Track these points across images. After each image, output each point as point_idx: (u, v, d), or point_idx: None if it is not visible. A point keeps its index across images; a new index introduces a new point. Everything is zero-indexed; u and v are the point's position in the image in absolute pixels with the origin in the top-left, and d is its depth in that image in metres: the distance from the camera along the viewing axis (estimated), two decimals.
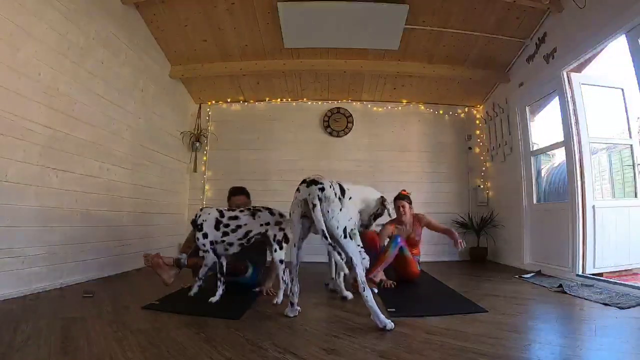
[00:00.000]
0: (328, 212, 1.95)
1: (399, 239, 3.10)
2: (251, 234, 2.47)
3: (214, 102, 5.37)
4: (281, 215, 2.55)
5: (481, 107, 5.43)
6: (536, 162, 4.35)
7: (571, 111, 3.46)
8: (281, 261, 2.39)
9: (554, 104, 3.84)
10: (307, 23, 3.92)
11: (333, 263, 2.80)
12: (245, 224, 2.47)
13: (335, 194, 2.03)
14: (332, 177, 2.12)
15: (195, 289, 2.51)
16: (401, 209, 3.40)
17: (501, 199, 4.90)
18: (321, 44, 4.33)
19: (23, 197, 2.50)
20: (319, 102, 5.39)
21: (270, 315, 2.11)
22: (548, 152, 4.52)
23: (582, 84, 3.52)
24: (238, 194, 3.09)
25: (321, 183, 1.99)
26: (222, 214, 2.50)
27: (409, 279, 3.14)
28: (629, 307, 2.20)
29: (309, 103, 5.39)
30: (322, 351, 1.52)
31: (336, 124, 5.30)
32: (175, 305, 2.29)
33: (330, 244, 1.89)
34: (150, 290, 2.72)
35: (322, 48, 4.41)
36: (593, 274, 3.19)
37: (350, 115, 5.31)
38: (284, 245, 2.44)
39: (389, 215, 2.76)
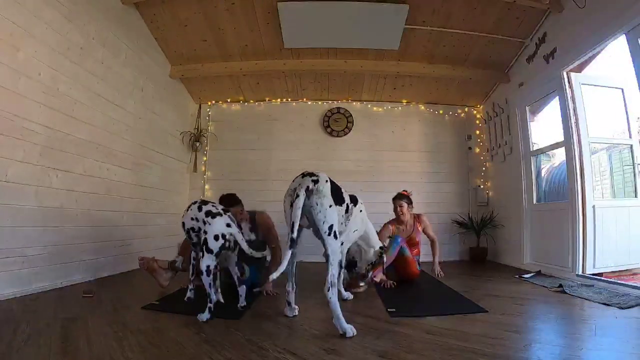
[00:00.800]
0: (317, 204, 1.90)
1: (399, 239, 3.10)
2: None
3: (214, 102, 5.37)
4: (209, 213, 2.13)
5: (481, 107, 5.43)
6: (536, 162, 4.35)
7: (571, 111, 3.46)
8: (201, 271, 2.01)
9: (554, 104, 3.84)
10: (307, 23, 3.92)
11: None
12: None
13: (337, 195, 2.00)
14: (333, 178, 2.09)
15: (189, 294, 2.43)
16: (399, 209, 3.42)
17: (501, 199, 4.90)
18: (321, 44, 4.33)
19: (23, 197, 2.50)
20: (319, 102, 5.39)
21: (270, 315, 2.11)
22: (548, 152, 4.51)
23: (582, 84, 3.52)
24: (235, 204, 2.86)
25: (316, 176, 1.94)
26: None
27: (409, 279, 3.15)
28: (629, 307, 2.20)
29: (309, 103, 5.39)
30: (322, 351, 1.52)
31: (336, 124, 5.30)
32: (175, 305, 2.29)
33: (292, 239, 1.80)
34: (150, 290, 2.72)
35: (322, 48, 4.41)
36: (593, 274, 3.19)
37: (350, 115, 5.31)
38: (205, 252, 2.01)
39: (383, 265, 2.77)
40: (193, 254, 2.46)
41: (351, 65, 4.59)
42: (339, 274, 2.51)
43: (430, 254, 3.62)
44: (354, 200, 2.45)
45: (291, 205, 1.92)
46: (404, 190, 3.59)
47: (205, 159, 5.23)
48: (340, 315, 1.75)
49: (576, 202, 3.34)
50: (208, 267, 2.00)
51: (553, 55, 3.66)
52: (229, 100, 5.36)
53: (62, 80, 2.82)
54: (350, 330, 1.72)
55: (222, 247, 2.05)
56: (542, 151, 4.31)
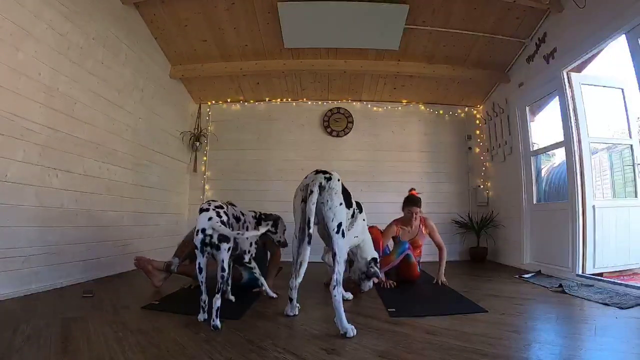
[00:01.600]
0: (328, 201, 1.93)
1: (406, 246, 3.05)
2: None
3: (214, 102, 5.37)
4: (200, 210, 2.06)
5: (481, 107, 5.43)
6: (536, 162, 4.35)
7: (571, 111, 3.45)
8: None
9: (554, 104, 3.84)
10: (307, 23, 3.92)
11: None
12: None
13: (346, 198, 2.02)
14: None
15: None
16: (414, 216, 3.21)
17: (501, 199, 4.90)
18: (321, 44, 4.33)
19: (23, 197, 2.50)
20: (319, 102, 5.39)
21: (270, 315, 2.11)
22: (548, 152, 4.52)
23: (582, 84, 3.51)
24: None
25: (329, 173, 1.99)
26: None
27: (410, 280, 3.15)
28: (629, 307, 2.20)
29: (309, 103, 5.39)
30: (322, 351, 1.52)
31: (336, 124, 5.30)
32: (175, 305, 2.29)
33: (309, 234, 1.83)
34: (150, 290, 2.73)
35: (322, 48, 4.41)
36: (593, 274, 3.19)
37: (350, 116, 5.31)
38: None
39: (377, 277, 2.71)
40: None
41: (351, 65, 4.59)
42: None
43: (430, 254, 3.60)
44: (359, 207, 2.48)
45: (302, 201, 1.95)
46: (413, 190, 3.33)
47: (205, 159, 5.23)
48: (343, 315, 1.75)
49: (576, 202, 3.34)
50: (198, 264, 1.98)
51: (553, 55, 3.66)
52: (229, 100, 5.36)
53: (62, 80, 2.82)
54: (351, 330, 1.72)
55: (203, 243, 1.95)
56: (542, 151, 4.31)
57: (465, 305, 2.38)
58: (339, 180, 2.01)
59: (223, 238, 1.95)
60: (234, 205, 2.39)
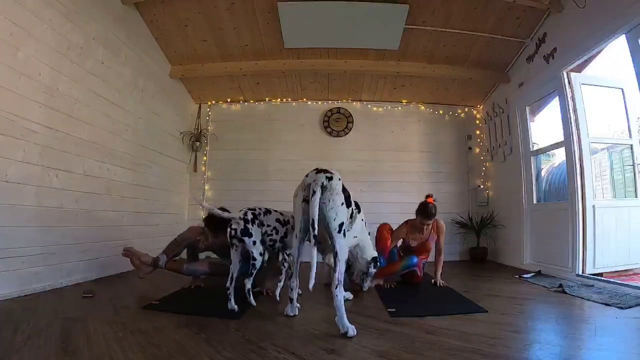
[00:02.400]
0: (329, 201, 1.91)
1: (415, 261, 2.98)
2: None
3: (214, 102, 5.37)
4: None
5: (481, 107, 5.43)
6: (536, 162, 4.35)
7: (571, 111, 3.46)
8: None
9: (554, 104, 3.84)
10: (307, 23, 3.92)
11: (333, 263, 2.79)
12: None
13: (346, 197, 2.01)
14: None
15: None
16: (425, 228, 3.05)
17: (501, 199, 4.90)
18: (321, 44, 4.33)
19: (23, 197, 2.50)
20: (319, 102, 5.39)
21: (270, 315, 2.11)
22: (548, 152, 4.52)
23: (582, 84, 3.52)
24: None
25: (331, 173, 1.97)
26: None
27: (411, 283, 3.12)
28: (629, 307, 2.20)
29: (309, 103, 5.39)
30: (322, 351, 1.52)
31: (336, 124, 5.30)
32: (175, 305, 2.29)
33: (315, 236, 1.81)
34: (150, 290, 2.73)
35: (322, 48, 4.41)
36: (593, 274, 3.19)
37: (350, 115, 5.31)
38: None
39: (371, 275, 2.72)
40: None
41: (351, 65, 4.59)
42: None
43: (430, 254, 3.58)
44: (357, 206, 2.47)
45: (304, 201, 1.94)
46: (430, 197, 3.00)
47: (205, 159, 5.23)
48: (344, 315, 1.76)
49: (576, 202, 3.34)
50: (231, 256, 2.31)
51: (553, 55, 3.66)
52: (229, 100, 5.36)
53: (62, 80, 2.82)
54: (352, 330, 1.72)
55: (230, 236, 2.30)
56: (542, 151, 4.31)
57: (465, 305, 2.38)
58: (339, 179, 2.00)
59: (245, 232, 2.25)
60: (281, 213, 2.52)
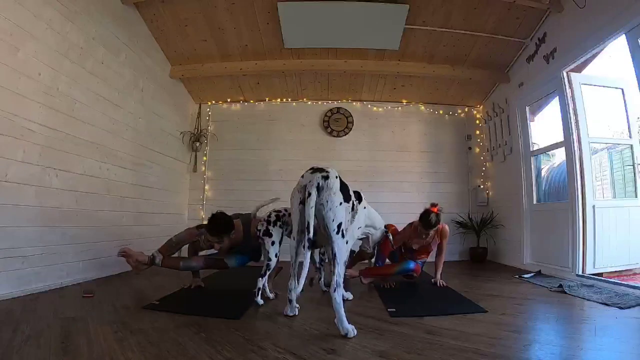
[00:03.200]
0: (327, 202, 1.87)
1: (412, 267, 2.97)
2: None
3: (214, 102, 5.37)
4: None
5: (481, 107, 5.43)
6: (536, 162, 4.35)
7: (571, 111, 3.46)
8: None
9: (554, 104, 3.84)
10: (307, 23, 3.92)
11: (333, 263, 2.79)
12: None
13: (344, 192, 1.97)
14: None
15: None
16: (424, 236, 2.98)
17: (501, 199, 4.90)
18: (321, 44, 4.33)
19: (23, 197, 2.50)
20: (319, 102, 5.39)
21: (270, 315, 2.11)
22: (548, 152, 4.52)
23: (582, 84, 3.52)
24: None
25: (326, 172, 1.92)
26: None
27: (409, 278, 3.15)
28: (629, 307, 2.20)
29: (309, 103, 5.39)
30: (322, 351, 1.52)
31: (336, 124, 5.30)
32: (175, 305, 2.29)
33: (309, 239, 1.79)
34: (150, 290, 2.73)
35: (322, 48, 4.41)
36: (593, 274, 3.20)
37: (350, 115, 5.31)
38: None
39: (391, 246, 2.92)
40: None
41: (351, 65, 4.59)
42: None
43: (430, 254, 3.57)
44: (358, 197, 2.44)
45: (300, 203, 1.90)
46: (434, 207, 2.89)
47: (205, 159, 5.23)
48: (344, 317, 1.74)
49: (576, 202, 3.34)
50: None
51: (553, 55, 3.66)
52: (229, 100, 5.36)
53: (62, 80, 2.82)
54: (352, 331, 1.71)
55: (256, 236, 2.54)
56: (542, 151, 4.31)
57: (465, 305, 2.38)
58: (337, 177, 1.95)
59: (266, 233, 2.40)
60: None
